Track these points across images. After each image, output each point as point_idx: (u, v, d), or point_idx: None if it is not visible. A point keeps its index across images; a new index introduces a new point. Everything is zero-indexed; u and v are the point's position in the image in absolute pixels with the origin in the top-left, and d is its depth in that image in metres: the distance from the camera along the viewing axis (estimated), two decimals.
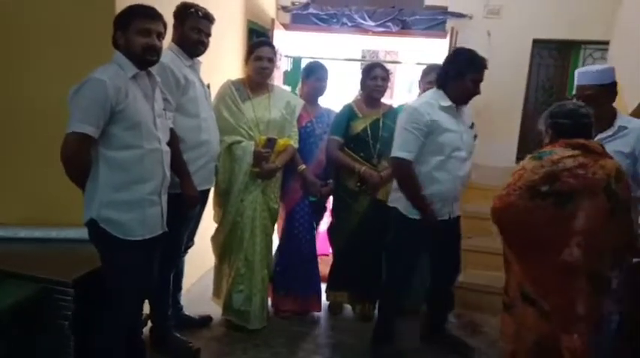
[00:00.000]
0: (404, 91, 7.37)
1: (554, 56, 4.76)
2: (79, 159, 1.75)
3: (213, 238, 2.77)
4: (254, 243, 2.68)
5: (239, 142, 2.57)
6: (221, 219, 2.70)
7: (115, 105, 1.72)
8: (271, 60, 2.66)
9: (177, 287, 2.69)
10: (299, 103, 2.81)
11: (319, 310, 3.03)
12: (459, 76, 2.35)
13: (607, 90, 2.20)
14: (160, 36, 1.84)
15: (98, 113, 1.70)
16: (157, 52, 1.83)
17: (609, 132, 2.17)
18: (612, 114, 2.19)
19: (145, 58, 1.81)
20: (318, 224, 3.10)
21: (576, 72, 2.34)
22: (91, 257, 1.94)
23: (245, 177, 2.58)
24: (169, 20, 2.11)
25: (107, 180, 1.78)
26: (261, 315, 2.75)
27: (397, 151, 2.38)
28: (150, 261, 1.97)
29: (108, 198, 1.79)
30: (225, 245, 2.72)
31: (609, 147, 2.12)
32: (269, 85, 2.78)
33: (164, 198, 1.95)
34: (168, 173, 1.95)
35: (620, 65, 2.64)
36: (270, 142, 2.59)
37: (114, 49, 1.83)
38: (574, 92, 2.29)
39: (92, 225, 1.82)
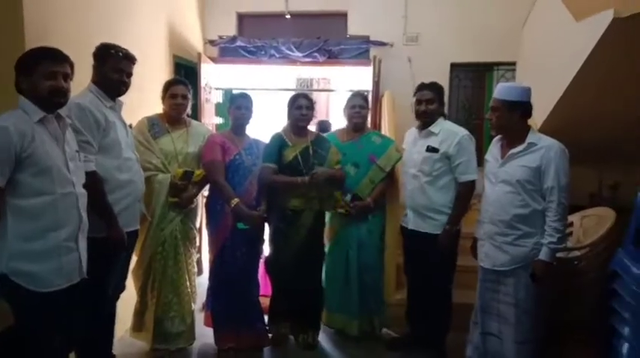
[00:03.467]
0: (339, 117, 7.57)
1: (471, 78, 5.10)
2: None
3: (134, 271, 2.76)
4: (179, 268, 2.78)
5: (155, 175, 2.65)
6: (141, 251, 2.71)
7: (20, 152, 1.65)
8: (185, 97, 2.81)
9: (109, 335, 2.55)
10: None
11: (265, 345, 2.99)
12: None
13: (514, 106, 2.32)
14: (67, 77, 1.81)
15: (3, 161, 1.62)
16: (64, 94, 1.80)
17: (520, 147, 2.32)
18: (524, 132, 2.34)
19: (53, 101, 1.76)
20: (259, 256, 3.05)
21: (498, 85, 2.48)
22: (4, 314, 1.80)
23: (163, 209, 2.68)
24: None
25: (17, 231, 1.69)
26: (193, 332, 2.94)
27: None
28: (69, 311, 1.86)
29: (19, 249, 1.70)
30: (147, 275, 2.75)
31: (518, 162, 2.31)
32: (186, 119, 2.90)
33: (82, 243, 1.87)
34: (85, 216, 1.88)
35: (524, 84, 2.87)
36: (187, 175, 2.71)
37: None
38: (491, 104, 2.42)
39: (2, 279, 1.71)
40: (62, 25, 2.49)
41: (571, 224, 3.13)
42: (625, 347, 1.70)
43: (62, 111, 1.88)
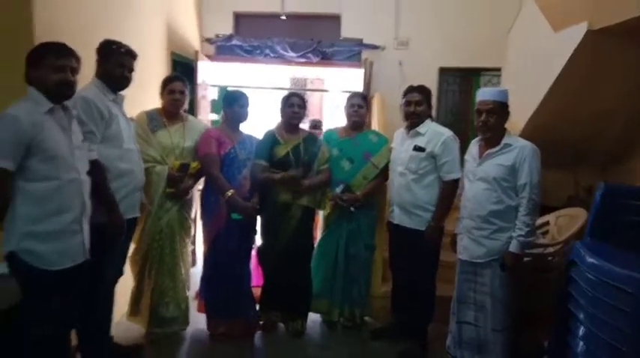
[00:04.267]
0: (331, 116, 7.73)
1: (458, 82, 5.27)
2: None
3: (132, 257, 2.86)
4: (174, 256, 2.91)
5: (153, 167, 2.76)
6: (139, 238, 2.82)
7: (30, 139, 1.77)
8: (182, 92, 2.92)
9: (108, 317, 2.66)
10: None
11: (256, 331, 3.12)
12: None
13: (502, 107, 2.49)
14: (74, 71, 1.93)
15: (14, 147, 1.75)
16: (71, 86, 1.92)
17: (496, 148, 2.49)
18: (502, 133, 2.50)
19: (61, 93, 1.89)
20: (252, 246, 3.17)
21: (479, 90, 2.64)
22: (11, 292, 1.90)
23: (161, 199, 2.80)
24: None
25: (26, 212, 1.81)
26: (187, 317, 3.06)
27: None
28: (71, 290, 1.99)
29: (28, 229, 1.82)
30: (145, 262, 2.87)
31: (494, 161, 2.47)
32: (183, 115, 3.00)
33: (85, 226, 2.00)
34: (88, 202, 2.00)
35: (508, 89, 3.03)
36: (184, 167, 2.84)
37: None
38: (476, 107, 2.55)
39: (12, 257, 1.83)
40: (68, 22, 2.59)
41: (547, 223, 3.30)
42: (581, 330, 1.86)
43: (68, 103, 2.00)
